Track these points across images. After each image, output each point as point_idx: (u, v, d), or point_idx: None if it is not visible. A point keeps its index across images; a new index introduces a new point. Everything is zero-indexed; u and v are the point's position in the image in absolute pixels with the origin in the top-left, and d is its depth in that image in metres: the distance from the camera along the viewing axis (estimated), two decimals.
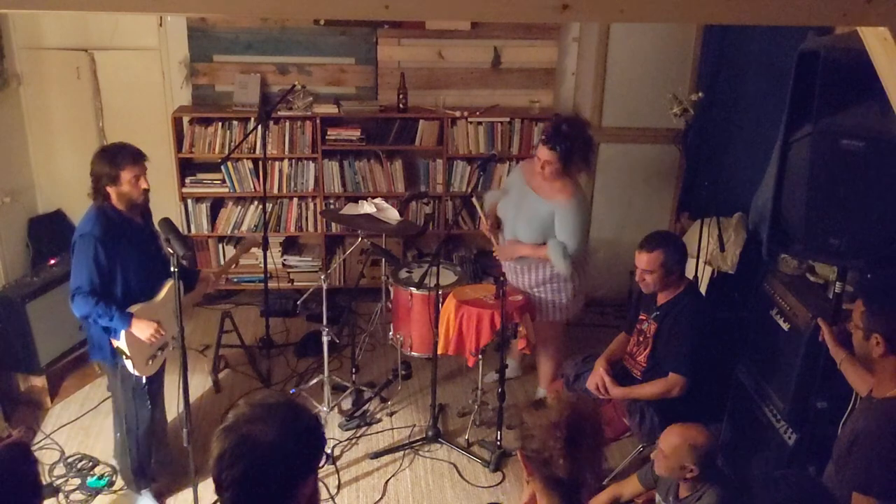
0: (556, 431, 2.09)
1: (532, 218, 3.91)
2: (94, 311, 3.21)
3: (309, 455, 1.61)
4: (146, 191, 3.31)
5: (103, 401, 4.25)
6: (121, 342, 3.28)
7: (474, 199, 4.23)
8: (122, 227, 3.28)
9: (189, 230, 5.26)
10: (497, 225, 4.15)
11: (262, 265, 4.86)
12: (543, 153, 3.81)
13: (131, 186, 3.25)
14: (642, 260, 3.40)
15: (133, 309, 3.29)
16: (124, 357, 3.31)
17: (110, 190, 3.25)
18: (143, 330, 3.27)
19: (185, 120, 5.18)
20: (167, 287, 3.40)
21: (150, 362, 3.40)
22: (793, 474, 2.94)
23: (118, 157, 3.24)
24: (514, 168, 3.96)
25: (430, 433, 4.06)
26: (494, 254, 4.19)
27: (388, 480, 3.83)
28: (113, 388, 3.57)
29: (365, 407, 4.29)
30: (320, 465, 1.65)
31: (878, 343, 2.45)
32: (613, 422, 3.59)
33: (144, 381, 3.40)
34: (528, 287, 4.09)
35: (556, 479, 2.15)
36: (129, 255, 3.29)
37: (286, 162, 5.24)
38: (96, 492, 3.68)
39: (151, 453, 3.57)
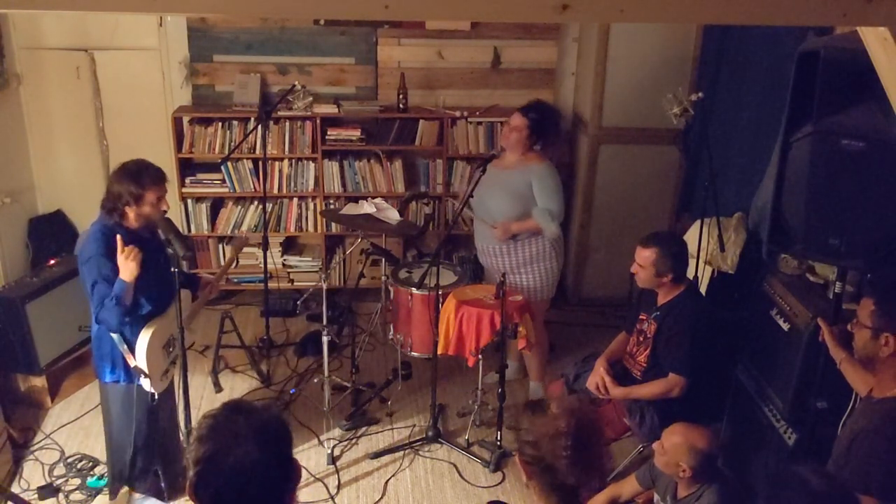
0: (562, 441, 2.09)
1: (511, 192, 4.10)
2: (113, 309, 3.04)
3: (289, 445, 1.62)
4: (164, 212, 3.16)
5: None
6: (140, 361, 3.18)
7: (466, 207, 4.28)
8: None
9: (189, 230, 5.26)
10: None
11: (262, 265, 4.86)
12: (515, 119, 4.14)
13: (153, 208, 3.12)
14: (638, 254, 3.50)
15: (150, 327, 3.19)
16: (142, 376, 3.20)
17: (129, 210, 3.11)
18: (128, 266, 3.03)
19: (185, 120, 5.18)
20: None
21: (164, 378, 3.34)
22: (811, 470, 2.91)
23: (143, 178, 3.09)
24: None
25: (430, 433, 4.06)
26: (493, 231, 4.18)
27: (388, 480, 3.83)
28: (115, 410, 3.39)
29: (365, 407, 4.29)
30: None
31: (888, 342, 2.44)
32: (613, 422, 3.59)
33: (157, 397, 3.29)
34: (512, 268, 4.16)
35: (556, 484, 2.15)
36: (141, 272, 3.10)
37: (286, 162, 5.24)
38: (96, 492, 3.67)
39: (153, 461, 3.50)
